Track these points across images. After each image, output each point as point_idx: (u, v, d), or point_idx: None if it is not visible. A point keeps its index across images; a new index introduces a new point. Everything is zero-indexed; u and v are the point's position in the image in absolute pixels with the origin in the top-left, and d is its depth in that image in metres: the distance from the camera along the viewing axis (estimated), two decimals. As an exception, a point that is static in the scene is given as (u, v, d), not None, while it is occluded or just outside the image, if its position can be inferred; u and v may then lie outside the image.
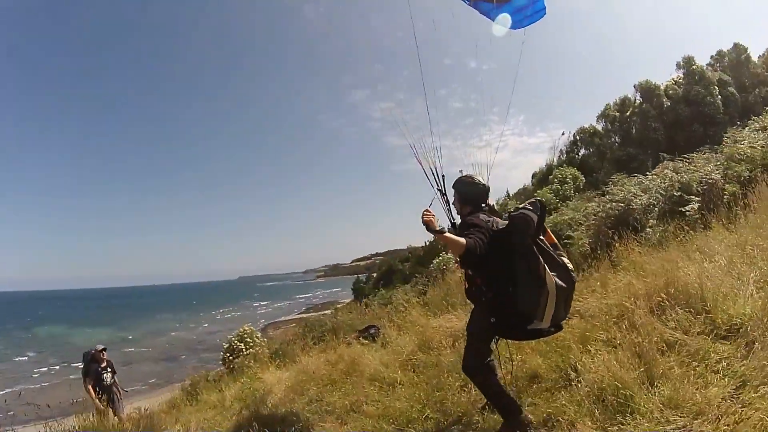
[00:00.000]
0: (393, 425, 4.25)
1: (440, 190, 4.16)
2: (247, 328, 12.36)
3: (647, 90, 22.73)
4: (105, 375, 8.21)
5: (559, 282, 3.30)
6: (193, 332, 45.00)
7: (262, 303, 78.28)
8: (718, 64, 24.76)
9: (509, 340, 3.95)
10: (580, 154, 24.97)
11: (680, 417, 2.96)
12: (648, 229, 7.42)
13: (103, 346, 8.51)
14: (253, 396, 6.93)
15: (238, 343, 11.71)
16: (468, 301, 3.86)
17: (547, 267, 3.28)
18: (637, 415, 3.11)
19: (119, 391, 8.48)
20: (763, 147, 8.02)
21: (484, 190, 3.93)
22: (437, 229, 3.38)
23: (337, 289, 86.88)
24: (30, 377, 26.48)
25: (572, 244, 8.29)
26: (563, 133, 26.85)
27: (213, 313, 64.16)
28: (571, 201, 13.98)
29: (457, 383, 4.56)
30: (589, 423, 3.19)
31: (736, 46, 25.43)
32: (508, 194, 25.22)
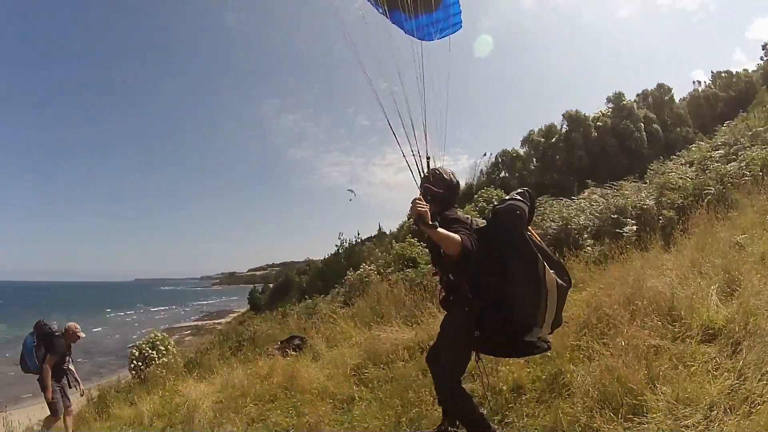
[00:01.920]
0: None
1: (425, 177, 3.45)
2: (159, 334, 11.36)
3: (575, 120, 23.58)
4: (68, 358, 6.90)
5: (559, 280, 2.91)
6: (88, 334, 40.65)
7: (159, 308, 76.10)
8: (642, 102, 26.67)
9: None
10: (500, 176, 25.96)
11: (695, 411, 2.96)
12: (588, 248, 7.69)
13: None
14: (176, 413, 6.09)
15: (150, 351, 10.62)
16: (443, 309, 3.39)
17: (546, 263, 2.89)
18: (651, 414, 3.06)
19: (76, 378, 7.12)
20: (692, 179, 8.65)
21: (456, 186, 3.43)
22: (431, 222, 2.85)
23: (234, 297, 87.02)
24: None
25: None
26: (485, 154, 27.91)
27: (110, 315, 61.23)
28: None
29: (429, 397, 4.15)
30: (608, 427, 3.06)
31: (660, 86, 27.52)
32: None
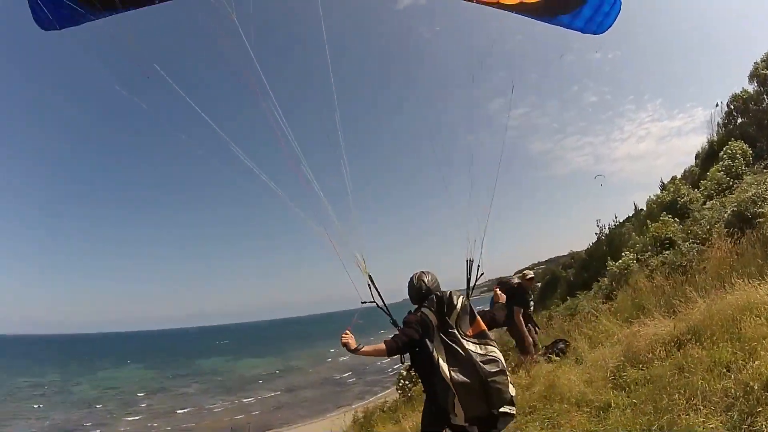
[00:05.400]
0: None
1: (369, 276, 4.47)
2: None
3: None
4: (531, 302, 7.93)
5: (460, 377, 3.33)
6: (355, 357, 45.20)
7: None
8: None
9: None
10: (737, 123, 22.37)
11: None
12: None
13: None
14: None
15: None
16: None
17: (444, 360, 3.41)
18: None
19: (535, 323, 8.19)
20: None
21: (424, 293, 3.93)
22: (353, 348, 3.61)
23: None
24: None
25: (766, 222, 7.47)
26: (717, 105, 24.29)
27: (372, 337, 65.31)
28: (745, 177, 12.16)
29: (682, 400, 4.05)
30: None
31: None
32: (663, 185, 22.96)
